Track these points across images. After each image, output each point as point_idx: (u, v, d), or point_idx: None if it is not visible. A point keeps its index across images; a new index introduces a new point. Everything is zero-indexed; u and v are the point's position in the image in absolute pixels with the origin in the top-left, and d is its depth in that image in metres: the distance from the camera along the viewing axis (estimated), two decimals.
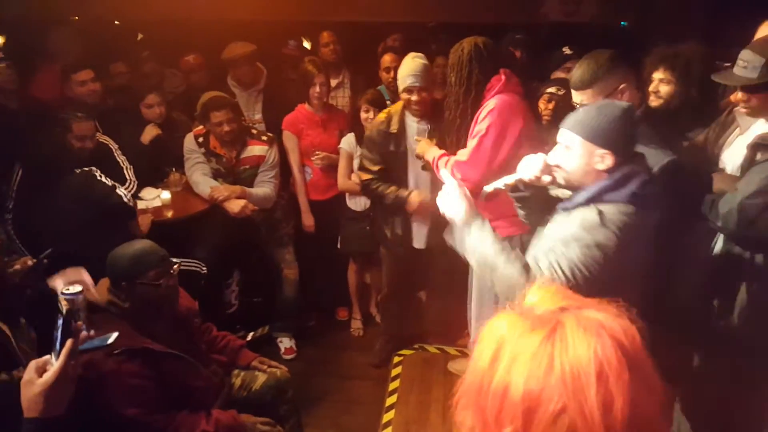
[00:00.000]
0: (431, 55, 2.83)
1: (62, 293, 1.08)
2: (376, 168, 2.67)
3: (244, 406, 2.03)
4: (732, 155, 1.83)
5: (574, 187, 1.47)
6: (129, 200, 2.45)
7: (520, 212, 1.66)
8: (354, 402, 2.80)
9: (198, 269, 2.58)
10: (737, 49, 1.77)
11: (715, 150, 1.90)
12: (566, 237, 1.37)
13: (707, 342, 1.82)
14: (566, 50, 2.75)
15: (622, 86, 1.75)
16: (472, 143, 2.23)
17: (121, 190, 2.43)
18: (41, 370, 1.02)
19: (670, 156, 1.73)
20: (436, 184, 2.67)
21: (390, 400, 2.82)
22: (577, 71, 1.78)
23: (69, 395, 1.04)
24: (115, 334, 1.30)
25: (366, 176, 2.70)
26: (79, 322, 1.07)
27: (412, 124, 2.64)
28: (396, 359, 3.10)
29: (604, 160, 1.40)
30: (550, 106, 2.67)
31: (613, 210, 1.37)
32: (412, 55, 2.56)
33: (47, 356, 1.05)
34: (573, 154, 1.43)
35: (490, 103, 2.21)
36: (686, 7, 3.27)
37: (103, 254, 1.81)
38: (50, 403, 1.00)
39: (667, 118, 2.05)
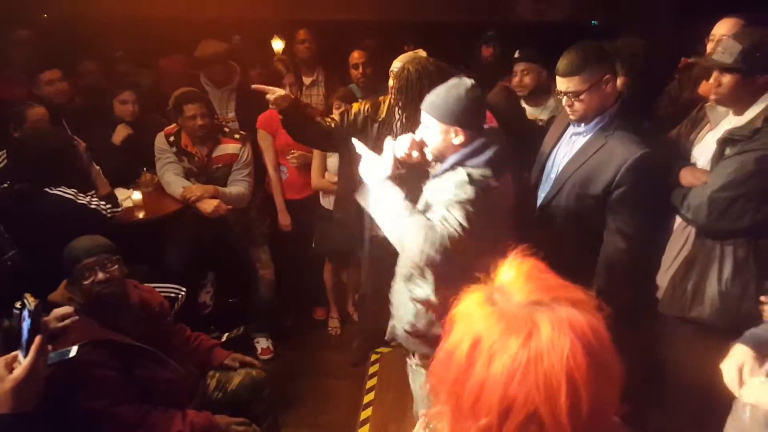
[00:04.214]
0: None
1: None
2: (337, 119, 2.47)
3: (220, 407, 2.02)
4: (702, 150, 1.89)
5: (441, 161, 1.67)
6: (103, 209, 2.34)
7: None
8: (332, 401, 2.79)
9: (176, 294, 2.51)
10: (701, 46, 1.83)
11: (687, 145, 1.95)
12: (445, 199, 1.56)
13: (682, 331, 1.87)
14: (516, 54, 2.83)
15: (606, 77, 1.79)
16: None
17: (92, 201, 2.31)
18: (10, 367, 1.03)
19: (643, 149, 1.77)
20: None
21: (367, 398, 2.83)
22: (565, 59, 1.80)
23: (39, 391, 1.04)
24: (75, 348, 1.29)
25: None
26: (48, 317, 1.07)
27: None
28: (373, 357, 3.11)
29: (458, 135, 1.61)
30: (526, 80, 2.80)
31: (476, 172, 1.59)
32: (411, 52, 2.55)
33: (15, 352, 1.05)
34: (432, 132, 1.64)
35: None
36: (654, 6, 3.35)
37: None
38: (21, 399, 1.00)
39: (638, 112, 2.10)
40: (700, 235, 1.82)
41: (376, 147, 2.59)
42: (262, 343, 3.10)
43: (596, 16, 3.67)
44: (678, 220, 1.93)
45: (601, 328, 0.67)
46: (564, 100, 1.85)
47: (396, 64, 2.24)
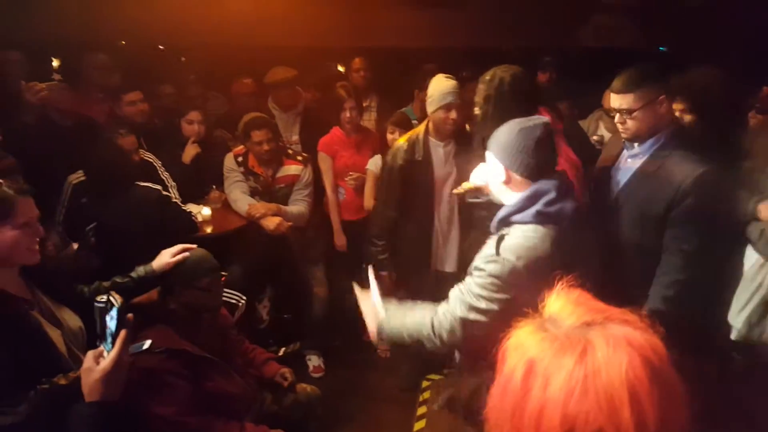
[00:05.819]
0: (462, 82, 2.87)
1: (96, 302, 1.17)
2: (392, 213, 2.62)
3: (276, 422, 2.06)
4: None
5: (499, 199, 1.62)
6: (185, 208, 2.61)
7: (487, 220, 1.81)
8: (381, 424, 2.77)
9: (237, 301, 2.62)
10: None
11: (763, 177, 1.85)
12: (469, 281, 1.50)
13: (759, 374, 1.77)
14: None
15: (661, 97, 1.76)
16: None
17: (176, 198, 2.59)
18: (98, 359, 1.12)
19: (704, 166, 1.71)
20: (463, 214, 2.58)
21: (418, 425, 2.78)
22: (621, 76, 1.80)
23: (123, 382, 1.13)
24: (149, 342, 1.36)
25: (379, 220, 2.68)
26: (130, 315, 1.16)
27: (437, 149, 2.59)
28: (424, 384, 3.07)
29: (501, 175, 1.51)
30: None
31: (515, 234, 1.45)
32: (442, 75, 2.54)
33: (101, 348, 1.14)
34: (488, 164, 1.57)
35: None
36: (726, 31, 3.21)
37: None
38: (108, 389, 1.10)
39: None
40: None
41: (425, 188, 2.52)
42: (314, 361, 3.14)
43: (664, 42, 3.57)
44: (753, 258, 1.83)
45: (658, 344, 0.64)
46: (617, 117, 1.83)
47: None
